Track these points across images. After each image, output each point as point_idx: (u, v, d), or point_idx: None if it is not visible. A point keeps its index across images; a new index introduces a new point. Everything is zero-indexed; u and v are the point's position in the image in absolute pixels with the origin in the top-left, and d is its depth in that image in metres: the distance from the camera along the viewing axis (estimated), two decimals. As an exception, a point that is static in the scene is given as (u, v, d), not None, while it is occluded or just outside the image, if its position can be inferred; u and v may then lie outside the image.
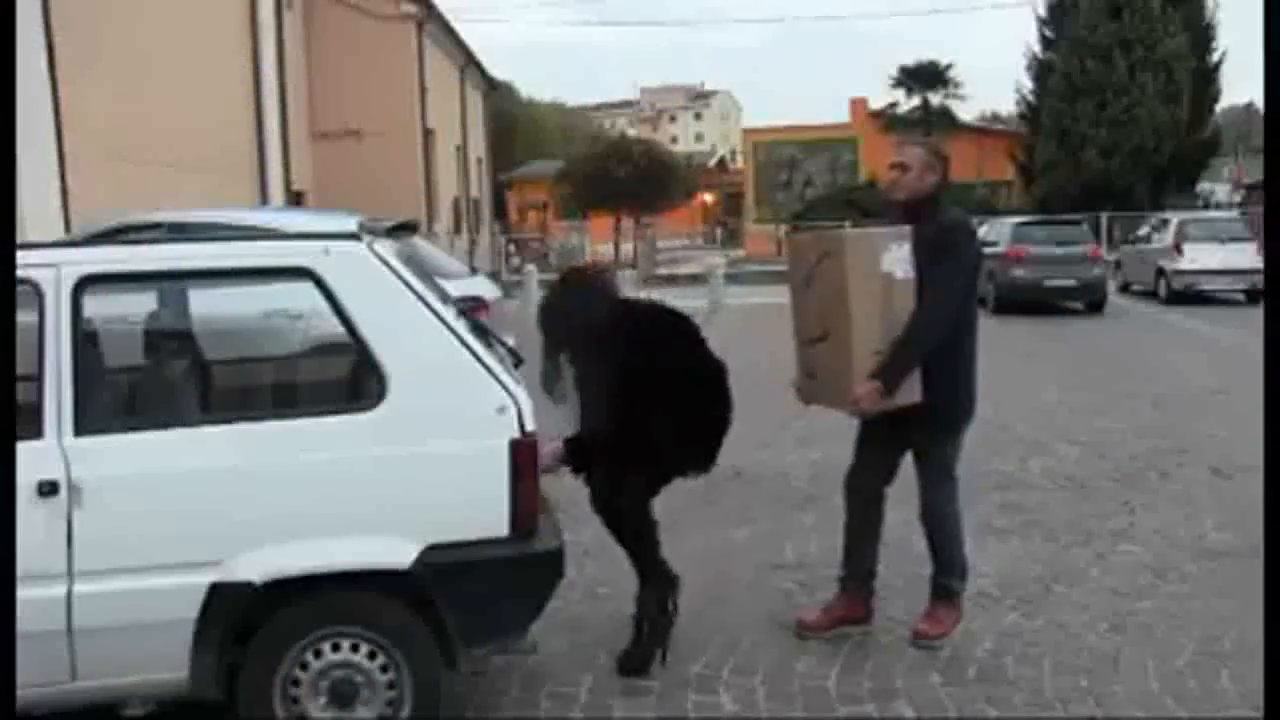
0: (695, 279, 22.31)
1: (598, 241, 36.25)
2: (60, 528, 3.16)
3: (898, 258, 4.09)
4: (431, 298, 3.54)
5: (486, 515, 3.38)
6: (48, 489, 3.16)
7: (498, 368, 3.54)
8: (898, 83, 38.56)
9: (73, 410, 3.23)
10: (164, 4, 14.09)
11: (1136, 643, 4.29)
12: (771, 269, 30.25)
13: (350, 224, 5.19)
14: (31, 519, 3.12)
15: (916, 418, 4.15)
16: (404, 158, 22.31)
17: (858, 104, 37.54)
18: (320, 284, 3.40)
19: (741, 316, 18.65)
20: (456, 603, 3.35)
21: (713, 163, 59.45)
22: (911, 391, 4.11)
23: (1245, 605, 4.50)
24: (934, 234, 4.15)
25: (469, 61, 30.16)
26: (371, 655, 3.37)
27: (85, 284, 3.32)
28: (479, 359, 3.48)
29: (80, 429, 3.23)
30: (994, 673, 4.05)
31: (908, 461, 4.39)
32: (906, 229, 4.15)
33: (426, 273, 4.08)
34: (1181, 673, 4.02)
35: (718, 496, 6.51)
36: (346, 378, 3.97)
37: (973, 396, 4.32)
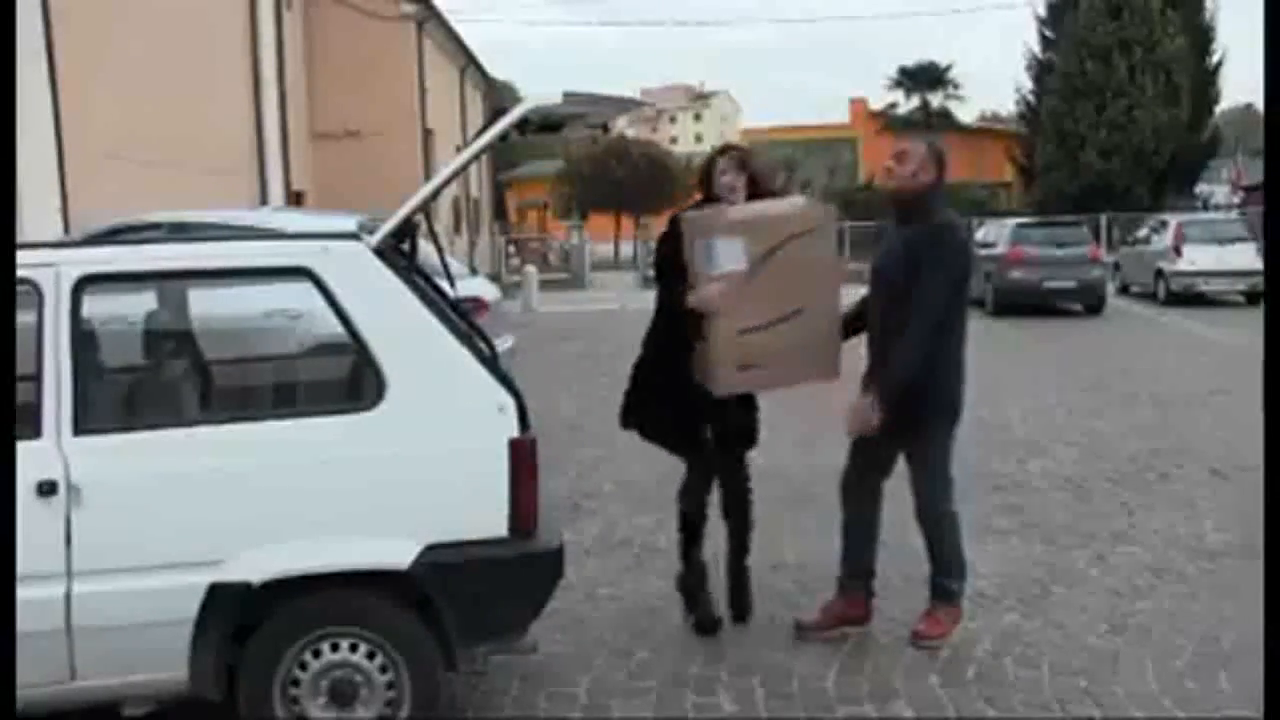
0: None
1: (597, 242, 36.25)
2: (59, 527, 3.16)
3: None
4: (431, 297, 3.54)
5: (486, 515, 3.37)
6: (46, 489, 3.15)
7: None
8: (897, 83, 38.63)
9: (71, 410, 3.23)
10: (164, 5, 14.08)
11: (1135, 643, 4.29)
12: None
13: (349, 224, 5.19)
14: (30, 519, 3.12)
15: (900, 415, 4.15)
16: (404, 158, 22.27)
17: (857, 104, 37.58)
18: (319, 284, 3.40)
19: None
20: (456, 603, 3.35)
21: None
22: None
23: (1244, 606, 4.50)
24: (923, 237, 4.14)
25: (469, 61, 30.14)
26: (370, 655, 3.36)
27: (84, 284, 3.32)
28: (478, 357, 3.48)
29: (79, 429, 3.23)
30: (993, 674, 4.05)
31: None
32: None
33: (426, 273, 4.08)
34: (1181, 673, 4.02)
35: (715, 498, 6.50)
36: (345, 377, 3.97)
37: (956, 400, 4.30)
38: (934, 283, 4.09)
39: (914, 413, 4.13)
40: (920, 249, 4.10)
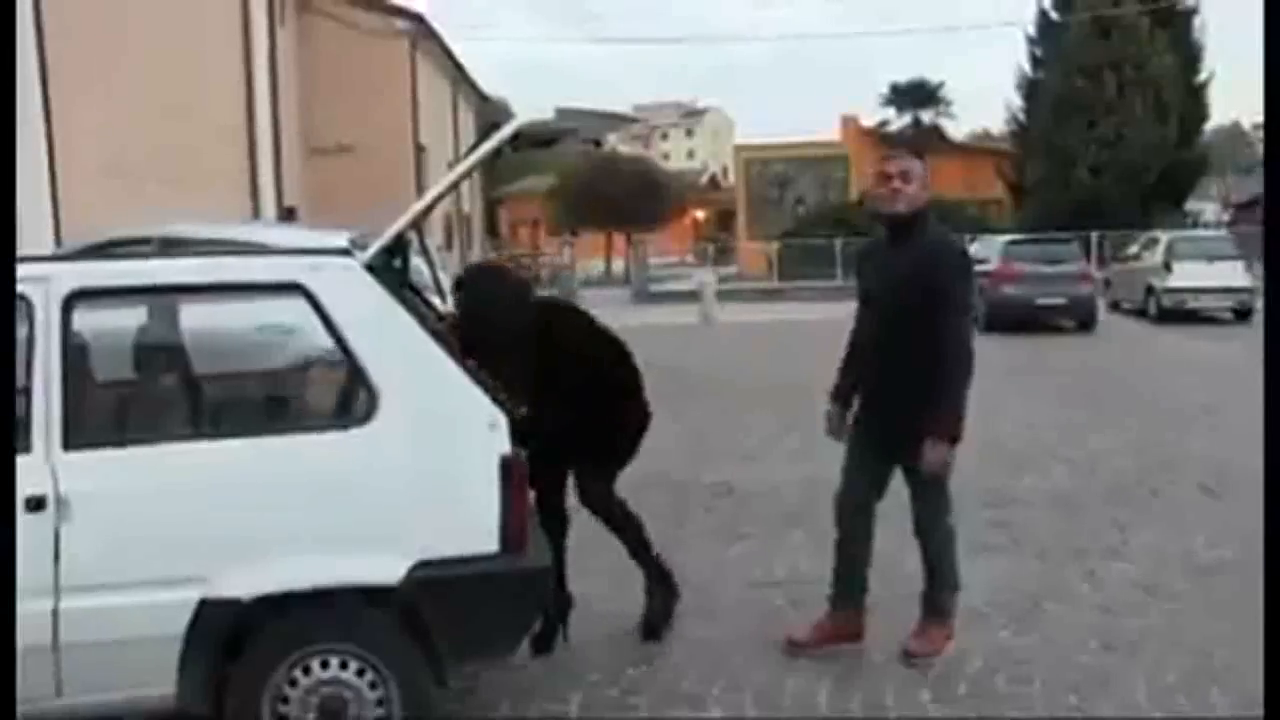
0: (689, 295, 22.44)
1: (590, 258, 36.29)
2: (47, 543, 3.15)
3: None
4: (423, 312, 3.54)
5: (477, 531, 3.37)
6: (35, 504, 3.14)
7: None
8: (889, 101, 38.80)
9: (61, 425, 3.22)
10: (157, 20, 14.10)
11: (1127, 660, 4.28)
12: (764, 286, 30.37)
13: (340, 240, 5.19)
14: (18, 534, 3.10)
15: (903, 433, 4.16)
16: (396, 173, 22.34)
17: (849, 121, 37.65)
18: (311, 299, 3.40)
19: (735, 333, 18.67)
20: (446, 619, 3.34)
21: (704, 180, 59.58)
22: None
23: (1235, 622, 4.51)
24: (935, 256, 4.15)
25: (461, 78, 30.26)
26: (360, 672, 3.35)
27: (75, 298, 3.32)
28: (470, 374, 3.48)
29: (69, 444, 3.22)
30: (984, 690, 4.05)
31: (899, 480, 4.38)
32: None
33: (417, 288, 4.08)
34: (1172, 689, 4.01)
35: (708, 513, 6.51)
36: (337, 393, 3.96)
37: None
38: (959, 302, 4.17)
39: (916, 428, 4.13)
40: (934, 267, 4.12)
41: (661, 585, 4.58)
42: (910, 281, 4.12)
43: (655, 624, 4.53)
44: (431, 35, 25.25)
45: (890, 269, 4.24)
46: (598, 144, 39.99)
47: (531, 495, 4.26)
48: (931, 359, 4.09)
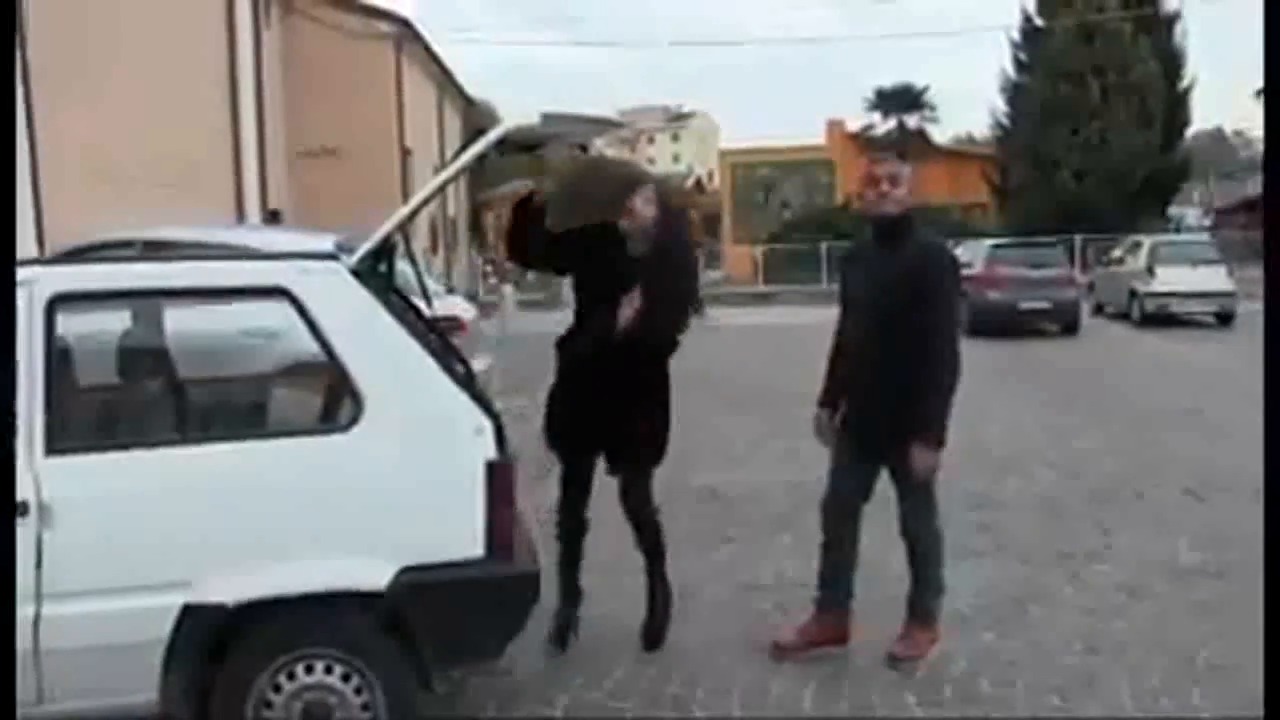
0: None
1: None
2: (30, 549, 3.13)
3: None
4: (408, 317, 3.54)
5: (462, 536, 3.36)
6: (17, 509, 3.12)
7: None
8: (874, 105, 38.89)
9: (44, 430, 3.20)
10: (141, 23, 14.04)
11: (1110, 662, 4.30)
12: (750, 290, 30.42)
13: (326, 244, 5.17)
14: (1, 539, 3.08)
15: (890, 436, 4.17)
16: (382, 177, 22.27)
17: (834, 126, 37.74)
18: (296, 303, 3.39)
19: (720, 337, 18.67)
20: (431, 624, 3.33)
21: (690, 183, 59.61)
22: None
23: (1218, 624, 4.54)
24: (926, 258, 4.18)
25: (447, 81, 30.21)
26: (345, 677, 3.34)
27: (58, 302, 3.30)
28: (456, 379, 3.48)
29: (51, 449, 3.20)
30: (969, 693, 4.06)
31: (885, 484, 4.40)
32: None
33: (403, 293, 4.08)
34: (1155, 691, 4.03)
35: (694, 517, 6.50)
36: (322, 398, 3.95)
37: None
38: (952, 307, 4.24)
39: (903, 431, 4.14)
40: (923, 270, 4.15)
41: (665, 600, 4.56)
42: (900, 284, 4.14)
43: (657, 634, 4.50)
44: (417, 38, 25.22)
45: (879, 272, 4.26)
46: (583, 149, 39.95)
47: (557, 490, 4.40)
48: (919, 361, 4.11)
